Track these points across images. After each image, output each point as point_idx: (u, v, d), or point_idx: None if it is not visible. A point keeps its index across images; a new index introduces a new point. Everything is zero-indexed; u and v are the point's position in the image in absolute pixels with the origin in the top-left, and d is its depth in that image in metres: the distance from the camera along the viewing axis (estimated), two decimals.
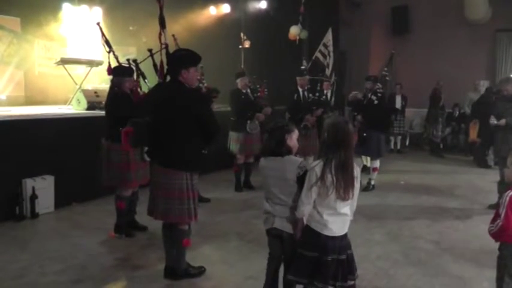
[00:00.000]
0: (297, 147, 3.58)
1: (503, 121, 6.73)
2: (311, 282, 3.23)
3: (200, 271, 4.43)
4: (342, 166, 3.11)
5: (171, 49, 5.32)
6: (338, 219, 3.23)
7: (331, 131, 3.19)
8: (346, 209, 3.24)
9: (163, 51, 5.46)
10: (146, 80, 6.04)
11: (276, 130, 3.53)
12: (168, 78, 4.34)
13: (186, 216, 4.14)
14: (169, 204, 4.08)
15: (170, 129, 4.05)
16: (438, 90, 12.14)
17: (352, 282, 3.31)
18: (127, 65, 5.84)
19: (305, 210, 3.23)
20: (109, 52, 6.10)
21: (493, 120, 6.86)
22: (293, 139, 3.52)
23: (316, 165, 3.18)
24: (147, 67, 5.97)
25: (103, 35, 6.23)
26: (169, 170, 4.07)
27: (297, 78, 8.17)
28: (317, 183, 3.13)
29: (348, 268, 3.28)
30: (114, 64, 5.96)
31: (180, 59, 4.20)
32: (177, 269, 4.30)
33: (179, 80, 4.10)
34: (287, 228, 3.47)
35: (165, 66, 4.91)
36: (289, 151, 3.49)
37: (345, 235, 3.29)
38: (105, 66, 8.99)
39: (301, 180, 3.33)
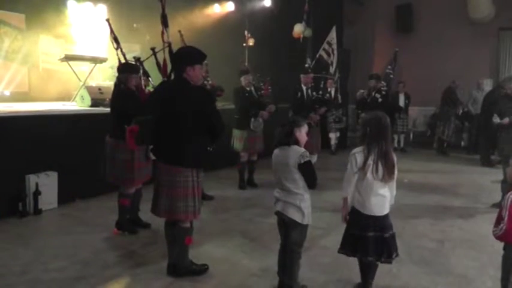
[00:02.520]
0: (305, 140, 3.89)
1: (506, 120, 6.68)
2: (354, 255, 3.83)
3: (203, 269, 4.43)
4: (384, 154, 3.64)
5: (177, 45, 5.32)
6: (377, 200, 3.71)
7: (374, 124, 3.70)
8: (385, 190, 3.74)
9: (167, 49, 5.46)
10: (150, 78, 6.03)
11: (287, 124, 3.89)
12: (173, 76, 4.34)
13: (190, 213, 4.16)
14: (174, 201, 4.09)
15: (176, 127, 4.05)
16: (453, 89, 12.08)
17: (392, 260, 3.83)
18: (133, 62, 5.84)
19: (348, 190, 3.75)
20: (116, 49, 6.09)
21: (496, 119, 6.82)
22: (302, 133, 3.87)
23: (356, 153, 3.69)
24: (150, 65, 5.96)
25: (112, 31, 6.21)
26: (175, 168, 4.07)
27: (301, 76, 8.15)
28: (358, 168, 3.65)
29: (393, 245, 3.80)
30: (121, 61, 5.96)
31: (185, 56, 4.22)
32: (179, 267, 4.30)
33: (184, 77, 4.10)
34: (288, 212, 3.82)
35: (169, 65, 4.91)
36: (295, 142, 3.82)
37: (387, 215, 3.80)
38: (109, 63, 9.06)
39: (302, 167, 3.73)
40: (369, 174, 3.63)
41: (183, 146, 4.05)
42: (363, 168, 3.63)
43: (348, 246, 3.82)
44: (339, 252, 3.92)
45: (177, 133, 4.05)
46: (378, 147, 3.63)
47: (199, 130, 4.07)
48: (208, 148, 4.19)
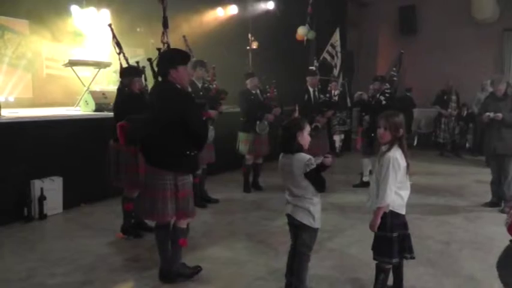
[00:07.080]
0: (309, 141, 3.82)
1: (499, 115, 6.61)
2: (402, 257, 3.78)
3: (195, 271, 4.35)
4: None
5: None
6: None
7: (404, 125, 3.70)
8: None
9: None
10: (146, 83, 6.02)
11: (288, 128, 3.80)
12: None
13: (168, 215, 4.11)
14: (153, 203, 4.07)
15: (156, 129, 4.05)
16: (447, 90, 12.05)
17: None
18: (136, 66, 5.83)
19: (392, 197, 3.59)
20: (119, 53, 6.09)
21: (490, 114, 6.72)
22: (304, 136, 3.78)
23: (398, 157, 3.59)
24: (147, 71, 5.96)
25: (114, 36, 6.21)
26: (154, 169, 4.07)
27: (308, 78, 8.13)
28: (401, 170, 3.59)
29: None
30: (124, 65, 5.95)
31: (167, 59, 4.23)
32: (169, 270, 4.24)
33: (169, 80, 4.09)
34: (298, 215, 3.78)
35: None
36: (299, 149, 3.75)
37: None
38: (112, 67, 9.06)
39: (309, 176, 3.67)
40: (406, 172, 3.67)
41: (161, 148, 4.04)
42: (407, 171, 3.66)
43: (395, 251, 3.69)
44: (387, 262, 3.75)
45: (156, 134, 4.04)
46: (405, 145, 3.69)
47: (176, 133, 4.00)
48: (188, 152, 4.12)
